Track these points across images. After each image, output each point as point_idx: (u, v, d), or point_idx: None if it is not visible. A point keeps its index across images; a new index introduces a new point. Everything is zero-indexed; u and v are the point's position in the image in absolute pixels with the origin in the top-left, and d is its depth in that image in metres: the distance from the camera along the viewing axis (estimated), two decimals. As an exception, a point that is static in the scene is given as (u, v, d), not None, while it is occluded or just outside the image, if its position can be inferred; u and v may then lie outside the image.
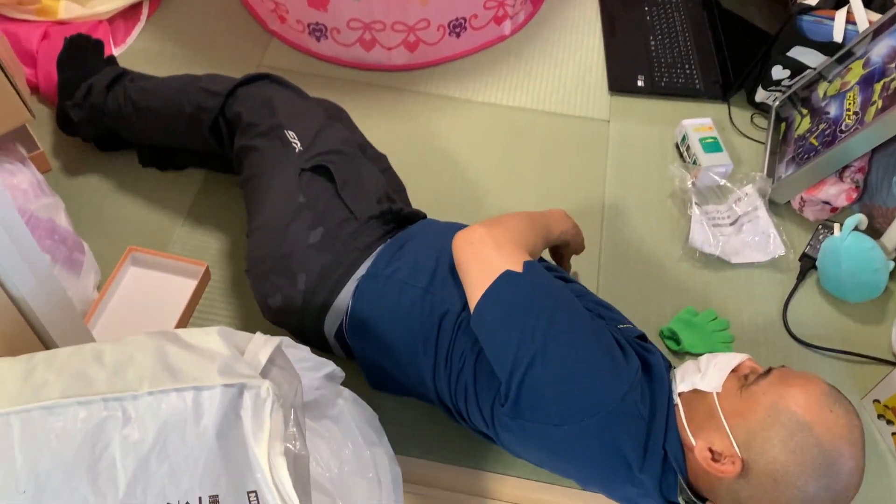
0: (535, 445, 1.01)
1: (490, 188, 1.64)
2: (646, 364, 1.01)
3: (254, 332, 1.35)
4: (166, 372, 0.77)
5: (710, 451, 0.92)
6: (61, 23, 1.77)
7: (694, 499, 0.96)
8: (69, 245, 1.35)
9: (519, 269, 1.00)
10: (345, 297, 1.17)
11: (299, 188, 1.22)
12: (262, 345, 0.86)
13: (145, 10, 1.91)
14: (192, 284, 1.39)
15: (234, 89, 1.34)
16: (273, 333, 1.36)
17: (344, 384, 1.12)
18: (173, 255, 1.43)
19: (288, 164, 1.25)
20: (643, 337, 1.12)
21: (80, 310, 1.32)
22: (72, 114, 1.50)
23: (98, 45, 1.59)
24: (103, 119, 1.49)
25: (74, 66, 1.53)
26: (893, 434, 1.30)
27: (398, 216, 1.26)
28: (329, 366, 1.04)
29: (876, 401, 1.31)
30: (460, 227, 1.16)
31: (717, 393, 0.95)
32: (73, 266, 1.34)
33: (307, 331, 1.21)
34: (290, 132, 1.28)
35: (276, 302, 1.19)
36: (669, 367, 1.07)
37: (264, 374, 0.83)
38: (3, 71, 1.22)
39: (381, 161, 1.49)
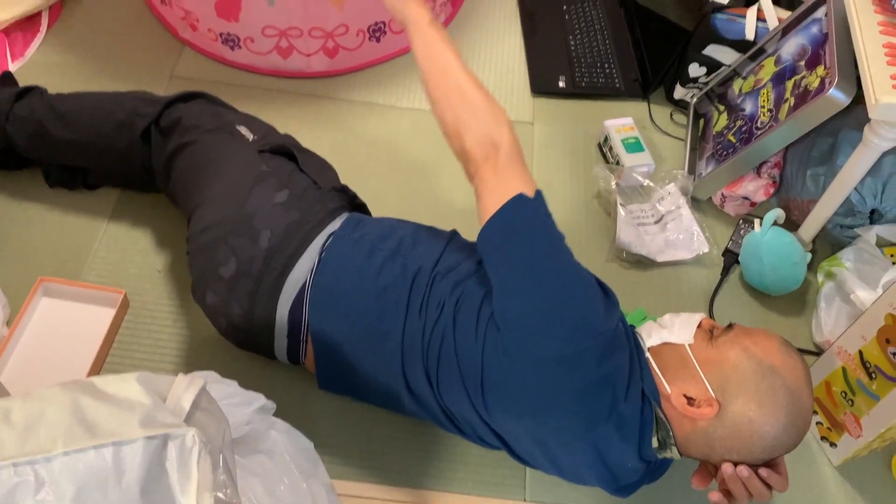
0: (527, 379, 1.00)
1: (419, 194, 1.62)
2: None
3: (179, 359, 1.32)
4: (82, 428, 0.73)
5: (686, 397, 0.98)
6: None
7: (670, 436, 0.99)
8: (-28, 279, 1.26)
9: (531, 194, 1.05)
10: (308, 259, 1.15)
11: (260, 161, 1.23)
12: (186, 388, 0.82)
13: (45, 20, 1.81)
14: (109, 313, 1.33)
15: (172, 101, 1.32)
16: (201, 354, 1.32)
17: (279, 409, 1.08)
18: (88, 283, 1.36)
19: (243, 148, 1.24)
20: None
21: (-12, 348, 1.25)
22: None
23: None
24: (5, 127, 1.39)
25: None
26: (818, 423, 1.34)
27: (353, 201, 1.31)
28: (259, 399, 1.00)
29: (800, 391, 1.36)
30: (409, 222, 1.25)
31: (690, 344, 1.01)
32: (-23, 301, 1.26)
33: (257, 310, 1.15)
34: (241, 127, 1.29)
35: (230, 270, 1.15)
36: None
37: (189, 419, 0.79)
38: None
39: None
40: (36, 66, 1.73)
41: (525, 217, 1.04)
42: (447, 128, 1.09)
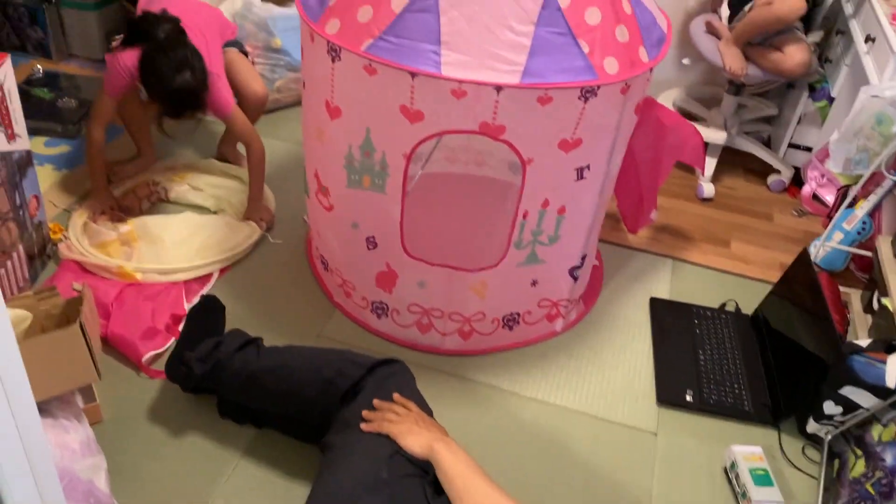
0: None
1: (529, 488, 1.59)
2: None
3: None
4: None
5: None
6: (137, 283, 1.90)
7: None
8: (101, 509, 1.32)
9: None
10: None
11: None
12: None
13: (216, 272, 2.04)
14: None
15: (374, 367, 1.41)
16: None
17: None
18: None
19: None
20: None
21: (95, 584, 1.27)
22: (195, 367, 1.56)
23: (223, 308, 1.72)
24: (221, 375, 1.54)
25: (202, 321, 1.63)
26: None
27: None
28: None
29: None
30: None
31: None
32: (99, 532, 1.30)
33: None
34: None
35: None
36: None
37: None
38: (84, 335, 1.29)
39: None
40: (204, 309, 1.92)
41: None
42: None
